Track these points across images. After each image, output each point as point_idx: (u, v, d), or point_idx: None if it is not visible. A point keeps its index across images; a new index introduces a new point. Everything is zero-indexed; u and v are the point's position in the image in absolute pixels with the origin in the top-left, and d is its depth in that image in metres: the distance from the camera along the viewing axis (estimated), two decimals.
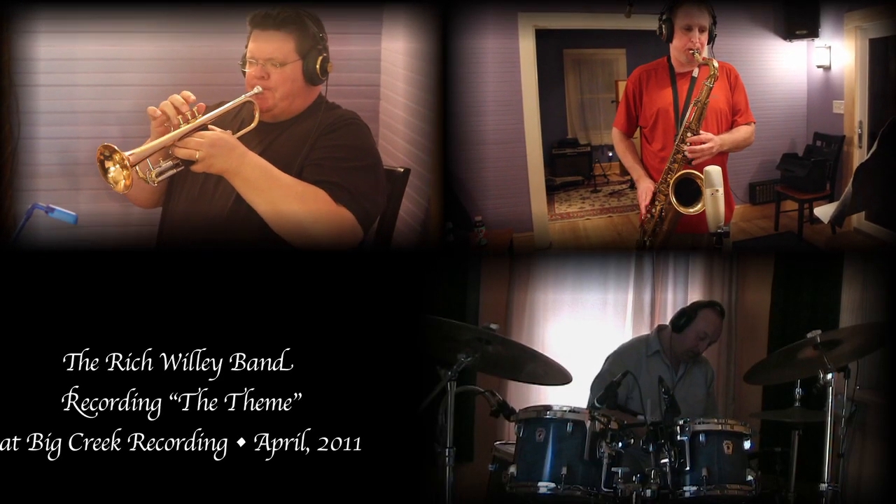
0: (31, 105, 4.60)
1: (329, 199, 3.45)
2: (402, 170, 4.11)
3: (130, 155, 3.21)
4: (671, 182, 4.06)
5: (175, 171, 3.39)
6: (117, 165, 3.22)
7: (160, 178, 3.35)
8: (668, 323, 4.35)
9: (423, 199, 4.47)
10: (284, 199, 3.40)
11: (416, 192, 4.48)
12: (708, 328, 4.22)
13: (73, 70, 4.68)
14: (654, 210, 4.19)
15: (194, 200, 3.63)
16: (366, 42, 4.95)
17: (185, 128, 3.35)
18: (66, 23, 4.62)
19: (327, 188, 3.46)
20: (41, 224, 3.57)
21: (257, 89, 3.59)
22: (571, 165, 7.95)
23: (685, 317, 4.24)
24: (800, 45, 5.97)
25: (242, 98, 3.60)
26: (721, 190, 3.81)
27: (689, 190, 4.02)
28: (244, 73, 3.68)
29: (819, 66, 5.93)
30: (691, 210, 4.02)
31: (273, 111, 3.65)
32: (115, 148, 3.21)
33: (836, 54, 5.75)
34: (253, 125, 3.60)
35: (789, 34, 5.91)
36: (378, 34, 4.95)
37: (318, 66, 3.64)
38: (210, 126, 3.42)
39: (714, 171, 3.83)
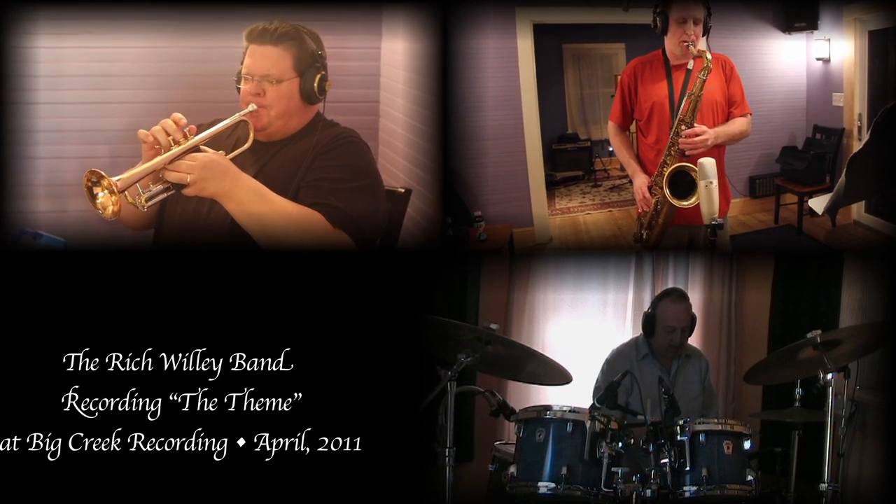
0: (16, 124, 4.53)
1: (326, 222, 3.36)
2: (402, 190, 4.02)
3: (118, 180, 3.11)
4: (666, 175, 4.05)
5: (166, 195, 3.27)
6: (105, 191, 3.12)
7: (150, 203, 3.24)
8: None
9: (424, 221, 4.43)
10: (279, 223, 3.32)
11: (418, 213, 4.43)
12: (669, 319, 4.19)
13: (60, 87, 4.61)
14: (649, 206, 4.19)
15: (187, 224, 3.55)
16: (365, 57, 4.88)
17: (175, 150, 3.25)
18: (53, 38, 4.53)
19: (324, 211, 3.37)
20: (28, 247, 3.50)
21: (252, 107, 3.48)
22: (572, 160, 7.98)
23: (648, 317, 4.26)
24: (799, 38, 5.99)
25: (236, 116, 3.48)
26: (715, 182, 3.78)
27: (684, 182, 4.00)
28: (239, 89, 3.57)
29: (818, 59, 5.94)
30: (685, 203, 4.00)
31: (268, 130, 3.55)
32: (103, 174, 3.11)
33: (835, 47, 5.76)
34: (247, 145, 3.49)
35: (788, 27, 5.92)
36: (377, 48, 4.89)
37: (315, 85, 3.54)
38: (202, 147, 3.31)
39: (708, 162, 3.80)
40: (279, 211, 3.33)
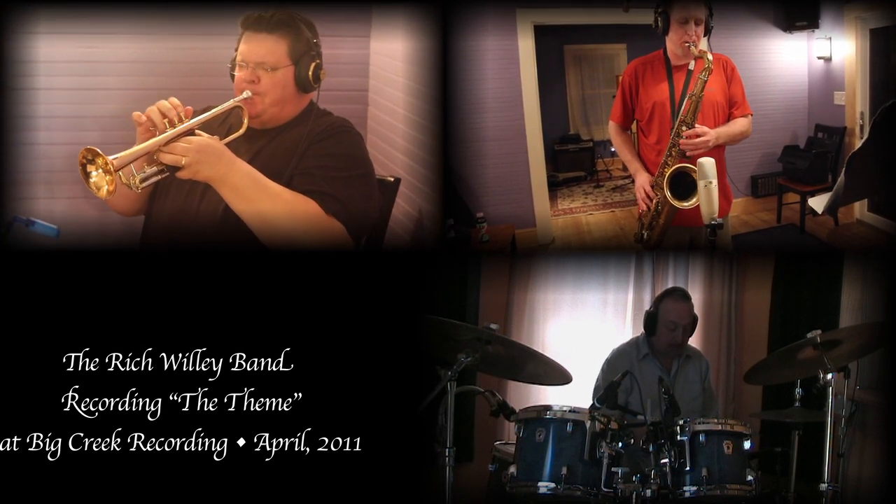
0: (6, 109, 4.52)
1: (319, 209, 3.37)
2: (392, 179, 4.05)
3: (114, 159, 3.10)
4: (666, 176, 4.05)
5: (160, 177, 3.27)
6: (100, 170, 3.11)
7: (144, 185, 3.23)
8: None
9: (414, 211, 4.44)
10: (273, 209, 3.31)
11: (407, 202, 4.44)
12: (671, 316, 4.20)
13: (51, 73, 4.59)
14: (650, 203, 4.18)
15: (178, 210, 3.55)
16: (354, 45, 4.87)
17: (171, 132, 3.25)
18: (44, 24, 4.51)
19: (318, 198, 3.38)
20: (20, 234, 3.49)
21: (246, 94, 3.49)
22: (574, 161, 7.97)
23: (650, 316, 4.27)
24: (800, 37, 5.97)
25: (231, 102, 3.49)
26: (715, 182, 3.76)
27: (685, 183, 4.00)
28: (233, 76, 3.59)
29: (819, 58, 5.92)
30: (685, 204, 4.00)
31: (262, 117, 3.56)
32: (99, 151, 3.10)
33: (836, 45, 5.74)
34: (241, 131, 3.49)
35: (789, 26, 5.91)
36: (367, 37, 4.89)
37: (310, 73, 3.55)
38: (197, 131, 3.31)
39: (707, 162, 3.79)
40: (273, 196, 3.33)
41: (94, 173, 3.14)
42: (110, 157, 3.11)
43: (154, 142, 3.22)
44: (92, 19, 4.56)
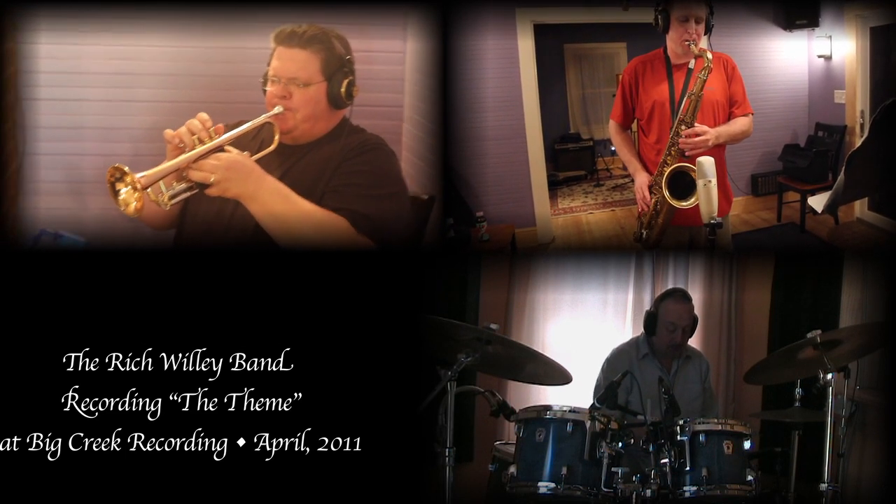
0: (37, 120, 4.51)
1: (350, 227, 3.32)
2: (426, 197, 3.98)
3: (142, 177, 3.08)
4: (665, 175, 4.04)
5: (189, 193, 3.23)
6: (128, 187, 3.08)
7: (173, 202, 3.20)
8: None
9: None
10: (303, 226, 3.28)
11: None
12: (672, 317, 4.20)
13: (82, 84, 4.57)
14: (650, 203, 4.18)
15: (210, 224, 3.51)
16: (389, 61, 4.79)
17: (200, 149, 3.21)
18: (76, 35, 4.51)
19: (349, 216, 3.33)
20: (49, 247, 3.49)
21: (278, 109, 3.44)
22: (574, 160, 7.99)
23: (650, 316, 4.27)
24: (800, 35, 5.99)
25: (262, 118, 3.44)
26: (714, 181, 3.75)
27: (685, 183, 3.99)
28: (265, 91, 3.52)
29: (820, 56, 5.94)
30: (684, 204, 4.00)
31: (293, 133, 3.50)
32: (126, 170, 3.07)
33: (836, 44, 5.76)
34: (272, 147, 3.44)
35: (789, 24, 5.93)
36: (401, 53, 4.83)
37: (343, 90, 3.50)
38: (227, 147, 3.28)
39: (706, 161, 3.78)
40: (303, 214, 3.29)
41: (122, 190, 3.11)
42: (138, 175, 3.09)
43: (183, 158, 3.20)
44: (125, 31, 4.53)
